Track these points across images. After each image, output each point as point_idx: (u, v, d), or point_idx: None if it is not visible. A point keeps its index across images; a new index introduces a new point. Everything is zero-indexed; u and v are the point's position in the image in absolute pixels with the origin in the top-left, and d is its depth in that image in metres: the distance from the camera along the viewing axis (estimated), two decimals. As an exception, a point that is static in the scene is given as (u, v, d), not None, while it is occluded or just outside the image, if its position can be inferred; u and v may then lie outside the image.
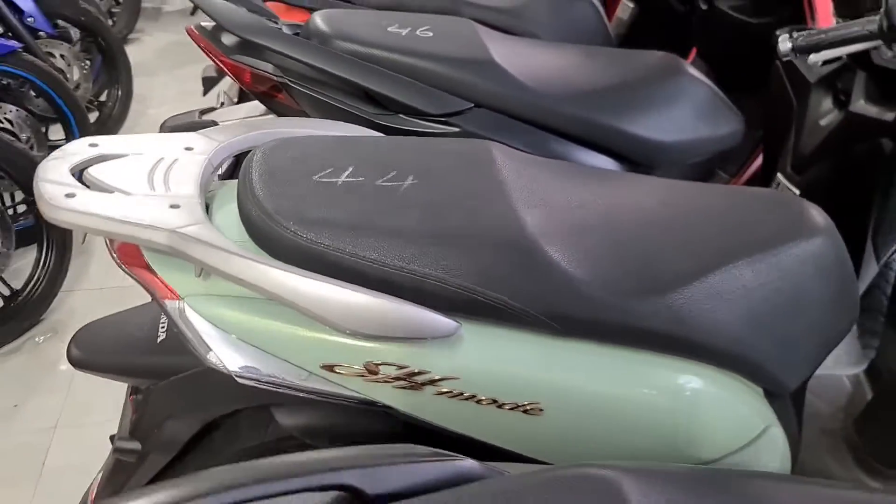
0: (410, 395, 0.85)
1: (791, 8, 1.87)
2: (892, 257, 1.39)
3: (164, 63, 4.19)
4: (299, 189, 0.90)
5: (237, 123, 1.08)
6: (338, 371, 0.85)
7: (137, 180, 0.89)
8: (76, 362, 1.05)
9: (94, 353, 1.05)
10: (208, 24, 1.46)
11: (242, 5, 1.46)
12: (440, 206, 0.91)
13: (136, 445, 1.02)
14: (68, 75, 3.01)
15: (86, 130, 2.79)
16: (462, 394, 0.85)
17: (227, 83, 1.80)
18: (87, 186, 0.88)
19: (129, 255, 0.89)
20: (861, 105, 1.34)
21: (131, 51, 3.78)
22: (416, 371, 0.84)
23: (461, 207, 0.91)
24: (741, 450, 0.92)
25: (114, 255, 0.91)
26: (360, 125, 1.19)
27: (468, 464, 0.64)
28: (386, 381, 0.85)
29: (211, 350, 0.86)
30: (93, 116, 3.24)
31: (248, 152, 0.98)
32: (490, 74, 1.39)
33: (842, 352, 1.53)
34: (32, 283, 2.28)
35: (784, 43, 1.23)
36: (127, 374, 1.05)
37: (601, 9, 1.94)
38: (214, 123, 1.46)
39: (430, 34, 1.46)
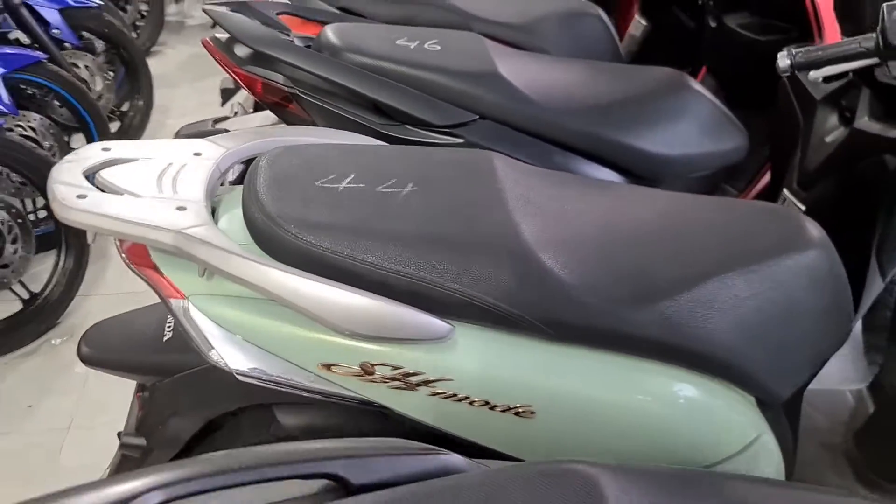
0: (405, 396, 0.88)
1: (799, 26, 1.89)
2: (896, 274, 1.39)
3: (185, 75, 4.27)
4: (301, 194, 0.93)
5: (245, 131, 1.12)
6: (335, 371, 0.88)
7: (146, 183, 0.92)
8: (86, 359, 1.08)
9: (103, 350, 1.09)
10: (223, 35, 1.51)
11: (256, 18, 1.50)
12: (438, 212, 0.94)
13: (141, 441, 1.05)
14: (91, 86, 3.07)
15: (106, 139, 2.85)
16: (455, 395, 0.87)
17: (244, 94, 1.85)
18: (99, 188, 0.92)
19: (138, 255, 0.93)
20: (865, 122, 1.34)
21: (154, 62, 3.87)
22: (411, 372, 0.86)
23: (458, 214, 0.94)
24: (732, 457, 0.93)
25: (122, 255, 0.95)
26: (367, 135, 1.22)
27: (454, 458, 0.66)
28: (381, 382, 0.87)
29: (213, 348, 0.89)
30: (114, 126, 3.31)
31: (255, 159, 1.02)
32: (495, 87, 1.42)
33: (847, 367, 1.53)
34: (50, 286, 2.33)
35: (783, 59, 1.25)
36: (134, 371, 1.08)
37: (611, 25, 1.97)
38: (226, 131, 1.49)
39: (438, 48, 1.49)
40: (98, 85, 3.12)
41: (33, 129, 2.59)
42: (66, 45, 2.97)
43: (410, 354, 0.86)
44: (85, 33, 3.15)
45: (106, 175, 0.93)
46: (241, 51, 1.48)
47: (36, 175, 2.26)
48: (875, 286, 1.42)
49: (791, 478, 1.01)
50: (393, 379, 0.87)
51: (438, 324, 0.86)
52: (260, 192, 0.92)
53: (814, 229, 1.00)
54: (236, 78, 1.49)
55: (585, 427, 0.90)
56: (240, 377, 0.89)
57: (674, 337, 0.88)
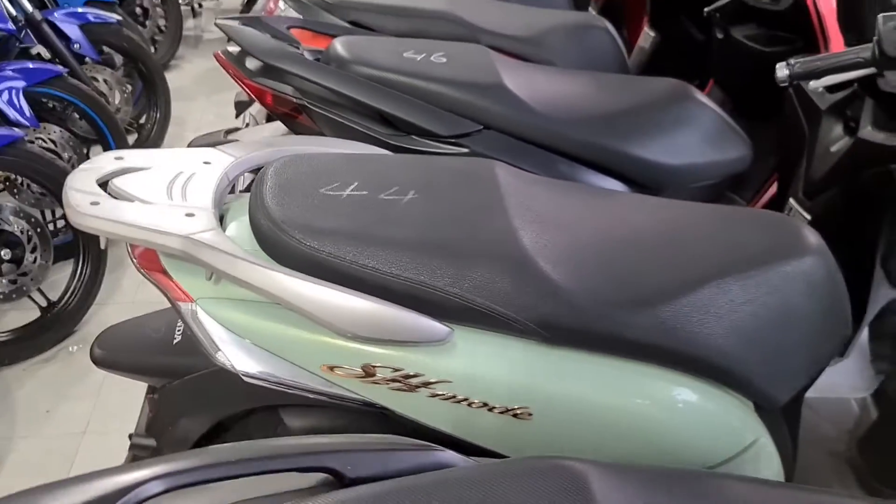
0: (405, 397, 0.90)
1: (805, 38, 1.90)
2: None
3: (201, 88, 4.34)
4: (306, 201, 0.96)
5: (254, 141, 1.15)
6: (338, 372, 0.90)
7: (157, 191, 0.96)
8: (98, 361, 1.12)
9: (115, 352, 1.12)
10: (234, 49, 1.55)
11: (267, 32, 1.54)
12: (438, 218, 0.96)
13: (150, 442, 1.08)
14: (110, 99, 3.13)
15: (124, 151, 2.90)
16: (454, 396, 0.89)
17: (257, 107, 1.89)
18: (112, 196, 0.95)
19: (148, 260, 0.96)
20: (869, 131, 1.35)
21: (171, 76, 3.94)
22: (411, 374, 0.89)
23: (458, 220, 0.96)
24: (729, 461, 0.94)
25: (134, 260, 0.98)
26: (374, 145, 1.25)
27: (447, 455, 0.68)
28: (383, 383, 0.89)
29: (220, 350, 0.92)
30: (132, 138, 3.37)
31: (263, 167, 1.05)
32: (499, 98, 1.44)
33: (854, 376, 1.53)
34: (68, 295, 2.38)
35: (781, 70, 1.26)
36: (144, 373, 1.11)
37: (618, 37, 1.98)
38: (237, 142, 1.53)
39: (444, 59, 1.52)
40: (117, 98, 3.18)
41: (53, 142, 2.65)
42: (87, 59, 3.04)
43: (410, 357, 0.88)
44: (105, 48, 3.22)
45: (118, 183, 0.97)
46: (251, 63, 1.52)
47: (55, 186, 2.30)
48: (882, 294, 1.42)
49: (792, 480, 1.02)
50: (393, 380, 0.89)
51: (437, 327, 0.88)
52: (266, 199, 0.95)
53: (811, 236, 1.01)
54: (247, 89, 1.53)
55: (582, 429, 0.91)
56: (246, 378, 0.92)
57: (670, 341, 0.90)
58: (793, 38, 1.96)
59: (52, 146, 2.64)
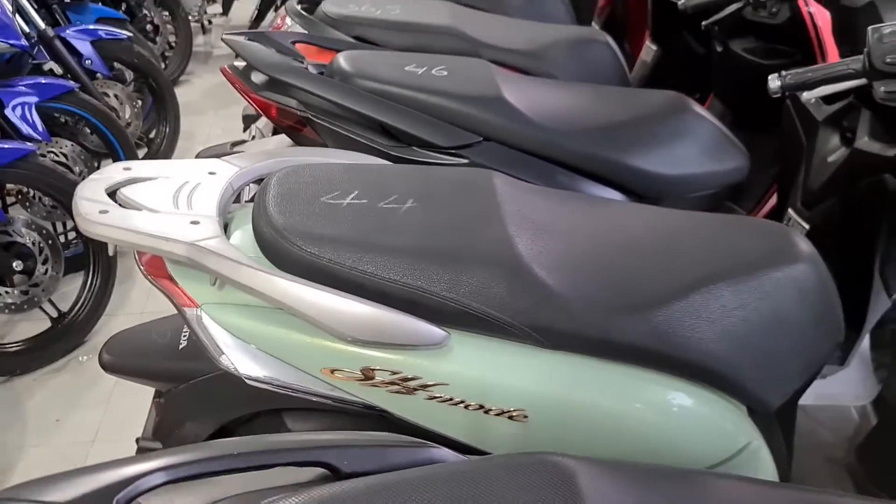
0: (403, 400, 0.92)
1: (802, 50, 1.92)
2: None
3: (210, 103, 4.40)
4: (307, 209, 0.98)
5: (258, 152, 1.18)
6: (338, 375, 0.92)
7: (164, 200, 0.99)
8: (106, 366, 1.15)
9: (122, 357, 1.15)
10: (240, 63, 1.58)
11: (272, 47, 1.58)
12: (435, 226, 0.99)
13: (157, 445, 1.11)
14: (121, 114, 3.18)
15: (134, 165, 2.94)
16: (451, 399, 0.91)
17: (264, 121, 1.92)
18: (120, 205, 0.98)
19: (155, 267, 0.99)
20: (865, 142, 1.37)
21: (181, 91, 3.99)
22: (409, 377, 0.91)
23: (455, 228, 0.99)
24: (722, 463, 0.95)
25: (141, 267, 1.01)
26: (376, 156, 1.28)
27: (441, 451, 0.71)
28: (381, 386, 0.92)
29: (224, 353, 0.94)
30: (142, 152, 3.42)
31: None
32: (498, 110, 1.47)
33: (855, 384, 1.54)
34: (78, 306, 2.41)
35: (773, 81, 1.29)
36: (151, 377, 1.14)
37: (618, 51, 2.01)
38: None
39: (445, 73, 1.55)
40: (127, 113, 3.22)
41: (65, 155, 2.70)
42: (98, 75, 3.09)
43: (408, 360, 0.91)
44: (115, 64, 3.27)
45: (127, 192, 1.00)
46: (257, 77, 1.56)
47: (67, 199, 2.33)
48: (880, 303, 1.43)
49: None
50: (392, 383, 0.91)
51: (434, 331, 0.91)
52: (269, 207, 0.98)
53: (802, 243, 1.03)
54: (252, 103, 1.56)
55: (576, 430, 0.93)
56: (249, 382, 0.94)
57: (662, 345, 0.92)
58: (791, 51, 1.98)
59: (63, 160, 2.69)
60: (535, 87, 1.64)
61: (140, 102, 3.39)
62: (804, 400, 1.06)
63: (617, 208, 1.15)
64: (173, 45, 4.62)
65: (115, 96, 3.20)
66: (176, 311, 1.00)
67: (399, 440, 0.70)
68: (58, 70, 2.95)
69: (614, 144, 1.48)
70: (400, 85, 1.50)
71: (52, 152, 2.66)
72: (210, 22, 5.60)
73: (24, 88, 2.45)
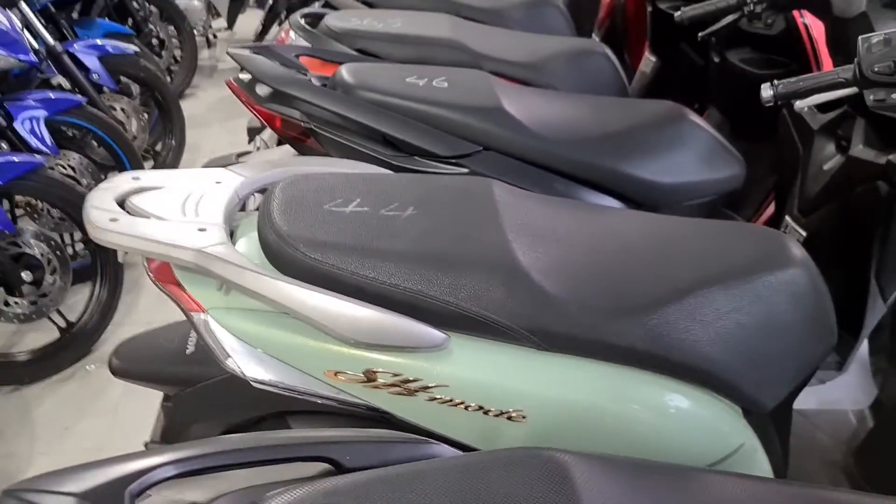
0: (405, 401, 0.94)
1: (798, 61, 1.95)
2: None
3: (215, 116, 4.45)
4: (311, 216, 1.01)
5: (263, 162, 1.21)
6: (341, 378, 0.94)
7: (171, 208, 1.02)
8: (116, 371, 1.17)
9: (131, 362, 1.18)
10: (245, 76, 1.62)
11: (276, 60, 1.61)
12: (435, 232, 1.01)
13: (164, 448, 1.13)
14: (127, 127, 3.22)
15: (140, 176, 2.97)
16: (451, 400, 0.93)
17: (268, 132, 1.95)
18: (129, 213, 1.01)
19: (163, 273, 1.02)
20: (860, 149, 1.39)
21: (186, 104, 4.04)
22: (410, 378, 0.93)
23: (454, 234, 1.01)
24: (718, 464, 0.97)
25: (149, 273, 1.04)
26: (378, 166, 1.31)
27: (440, 448, 0.73)
28: (383, 387, 0.94)
29: (230, 357, 0.96)
30: (148, 164, 3.46)
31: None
32: (498, 120, 1.50)
33: (854, 389, 1.56)
34: (86, 316, 2.44)
35: (766, 90, 1.31)
36: (159, 381, 1.16)
37: (617, 63, 2.04)
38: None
39: (445, 84, 1.58)
40: (134, 126, 3.27)
41: (73, 168, 2.73)
42: (105, 89, 3.13)
43: (409, 362, 0.93)
44: (122, 78, 3.32)
45: (135, 201, 1.03)
46: (261, 90, 1.59)
47: (75, 210, 2.37)
48: (877, 309, 1.44)
49: None
50: (393, 385, 0.93)
51: (435, 334, 0.93)
52: (273, 215, 1.00)
53: (794, 248, 1.05)
54: (257, 115, 1.59)
55: (573, 430, 0.95)
56: (255, 385, 0.96)
57: (657, 347, 0.94)
58: (786, 61, 2.01)
59: (71, 172, 2.72)
60: (534, 97, 1.67)
61: (146, 116, 3.43)
62: (803, 405, 1.07)
63: (613, 215, 1.18)
64: (179, 59, 4.68)
65: (122, 110, 3.24)
66: (183, 317, 1.02)
67: (399, 436, 0.73)
68: (66, 84, 3.00)
69: (612, 153, 1.51)
70: (401, 96, 1.53)
71: (61, 165, 2.70)
72: (215, 36, 5.66)
73: (33, 102, 2.49)
